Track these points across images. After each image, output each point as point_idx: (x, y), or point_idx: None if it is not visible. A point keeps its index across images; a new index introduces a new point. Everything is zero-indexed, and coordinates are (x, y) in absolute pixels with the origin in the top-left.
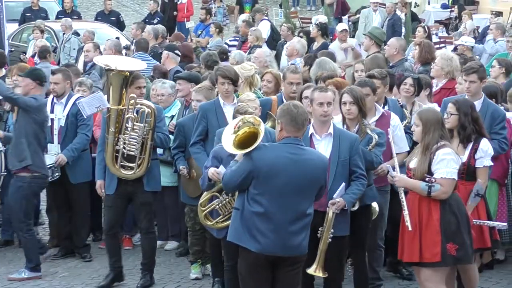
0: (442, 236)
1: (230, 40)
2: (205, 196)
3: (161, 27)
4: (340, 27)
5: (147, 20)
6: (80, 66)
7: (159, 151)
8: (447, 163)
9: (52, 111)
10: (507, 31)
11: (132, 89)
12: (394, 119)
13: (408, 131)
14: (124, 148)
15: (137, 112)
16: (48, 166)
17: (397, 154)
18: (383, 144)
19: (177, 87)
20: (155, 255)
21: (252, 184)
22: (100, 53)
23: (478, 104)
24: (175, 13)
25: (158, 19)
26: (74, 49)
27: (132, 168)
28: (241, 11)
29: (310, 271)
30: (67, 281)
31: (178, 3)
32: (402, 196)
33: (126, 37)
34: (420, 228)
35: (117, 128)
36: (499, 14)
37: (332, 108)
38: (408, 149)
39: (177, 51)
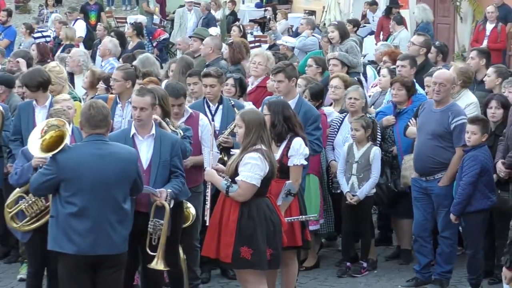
0: (236, 238)
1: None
2: (12, 197)
3: None
4: None
5: None
6: None
7: None
8: (250, 167)
9: None
10: (321, 29)
11: None
12: (203, 119)
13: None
14: None
15: None
16: None
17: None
18: (189, 137)
19: None
20: None
21: (62, 187)
22: None
23: (292, 104)
24: None
25: None
26: None
27: None
28: (86, 19)
29: (152, 265)
30: None
31: None
32: (208, 190)
33: None
34: (220, 226)
35: None
36: (312, 13)
37: (149, 113)
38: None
39: None
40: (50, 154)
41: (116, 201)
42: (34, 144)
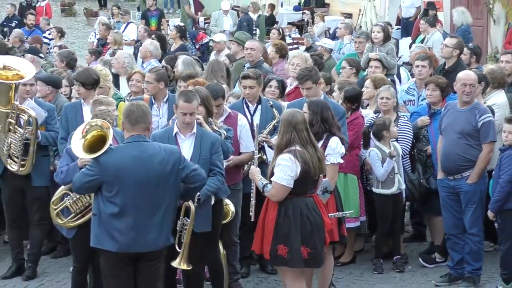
0: (274, 236)
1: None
2: (58, 194)
3: (19, 31)
4: None
5: (5, 24)
6: None
7: None
8: (281, 168)
9: None
10: (355, 32)
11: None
12: (241, 119)
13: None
14: (9, 147)
15: (17, 118)
16: None
17: (242, 153)
18: (231, 137)
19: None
20: (42, 247)
21: (104, 188)
22: None
23: None
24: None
25: (16, 22)
26: None
27: (16, 164)
28: (147, 25)
29: (175, 264)
30: None
31: (37, 6)
32: (253, 187)
33: None
34: (263, 223)
35: (3, 128)
36: (349, 16)
37: (196, 115)
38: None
39: (41, 54)
40: (93, 156)
41: (157, 201)
42: (77, 145)
